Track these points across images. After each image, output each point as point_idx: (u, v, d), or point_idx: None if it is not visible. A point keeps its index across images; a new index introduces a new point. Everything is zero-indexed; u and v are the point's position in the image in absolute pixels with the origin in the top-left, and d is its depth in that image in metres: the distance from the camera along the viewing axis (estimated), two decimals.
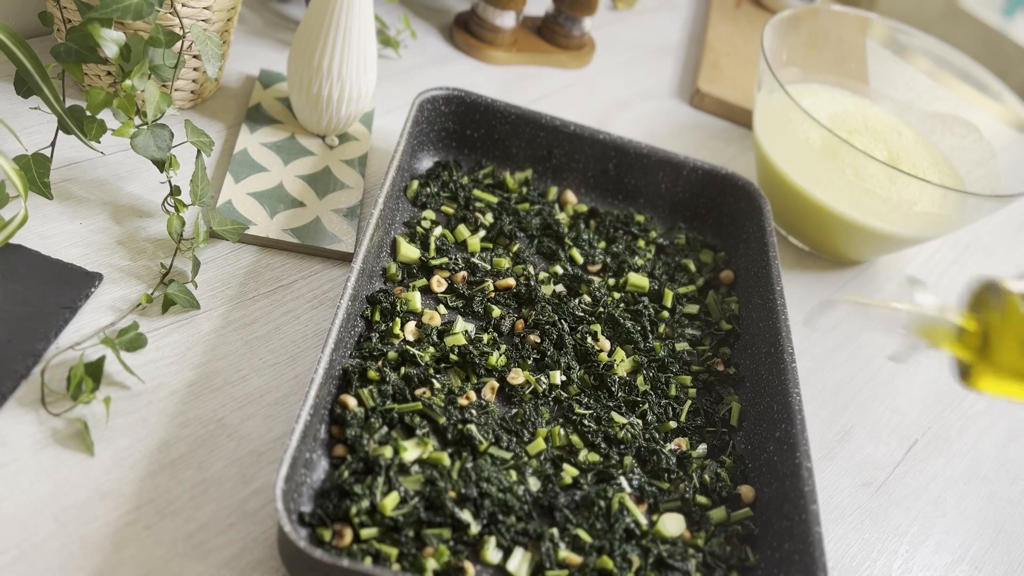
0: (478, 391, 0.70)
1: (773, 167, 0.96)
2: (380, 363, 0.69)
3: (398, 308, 0.73)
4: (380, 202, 0.73)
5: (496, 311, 0.76)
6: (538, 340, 0.75)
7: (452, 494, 0.62)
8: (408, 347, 0.70)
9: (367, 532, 0.59)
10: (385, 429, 0.65)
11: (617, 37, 1.25)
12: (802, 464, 0.65)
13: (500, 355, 0.72)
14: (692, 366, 0.78)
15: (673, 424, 0.73)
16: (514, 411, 0.70)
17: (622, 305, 0.81)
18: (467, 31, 1.11)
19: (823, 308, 0.66)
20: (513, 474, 0.65)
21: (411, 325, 0.73)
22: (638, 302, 0.81)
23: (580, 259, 0.85)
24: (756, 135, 0.99)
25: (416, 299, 0.75)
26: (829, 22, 1.09)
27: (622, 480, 0.68)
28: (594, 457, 0.69)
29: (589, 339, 0.77)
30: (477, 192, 0.87)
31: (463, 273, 0.79)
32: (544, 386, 0.72)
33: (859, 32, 1.11)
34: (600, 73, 1.17)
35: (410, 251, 0.79)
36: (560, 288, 0.81)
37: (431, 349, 0.71)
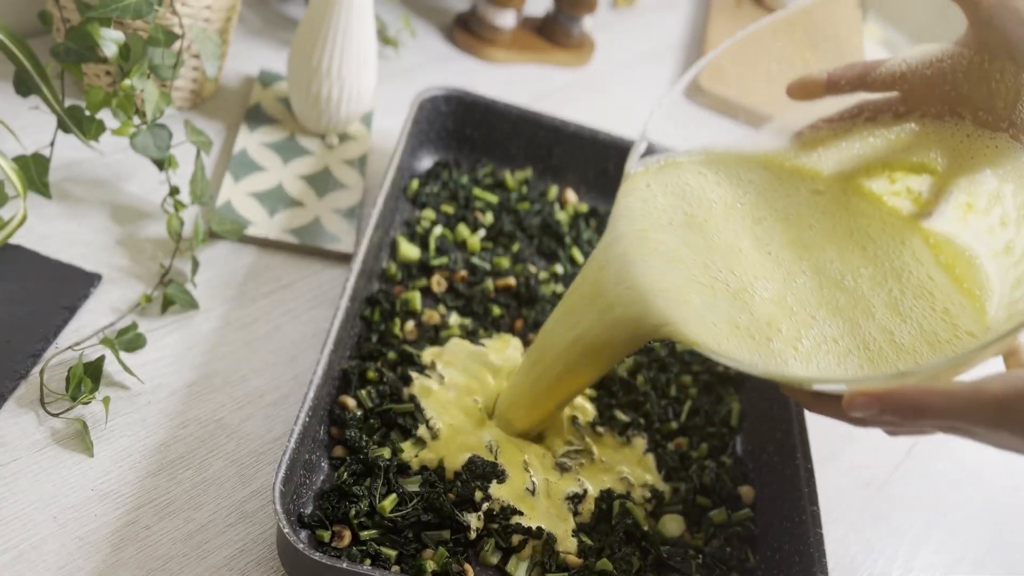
0: None
1: None
2: (379, 363, 0.69)
3: (397, 308, 0.73)
4: (380, 202, 0.72)
5: (496, 311, 0.76)
6: None
7: (451, 495, 0.62)
8: (407, 347, 0.70)
9: (366, 533, 0.59)
10: (384, 430, 0.65)
11: (617, 37, 1.25)
12: (802, 465, 0.65)
13: None
14: (692, 366, 0.78)
15: (673, 424, 0.73)
16: None
17: None
18: (467, 30, 1.11)
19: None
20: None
21: (411, 324, 0.73)
22: None
23: (580, 259, 0.85)
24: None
25: (416, 298, 0.74)
26: (826, 22, 1.09)
27: None
28: None
29: None
30: (477, 191, 0.87)
31: (463, 273, 0.79)
32: None
33: (857, 33, 1.10)
34: (600, 72, 1.17)
35: (410, 251, 0.78)
36: (560, 288, 0.81)
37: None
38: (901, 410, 0.46)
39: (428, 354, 0.69)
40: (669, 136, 0.62)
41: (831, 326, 0.53)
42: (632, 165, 0.59)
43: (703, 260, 0.55)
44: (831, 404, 0.50)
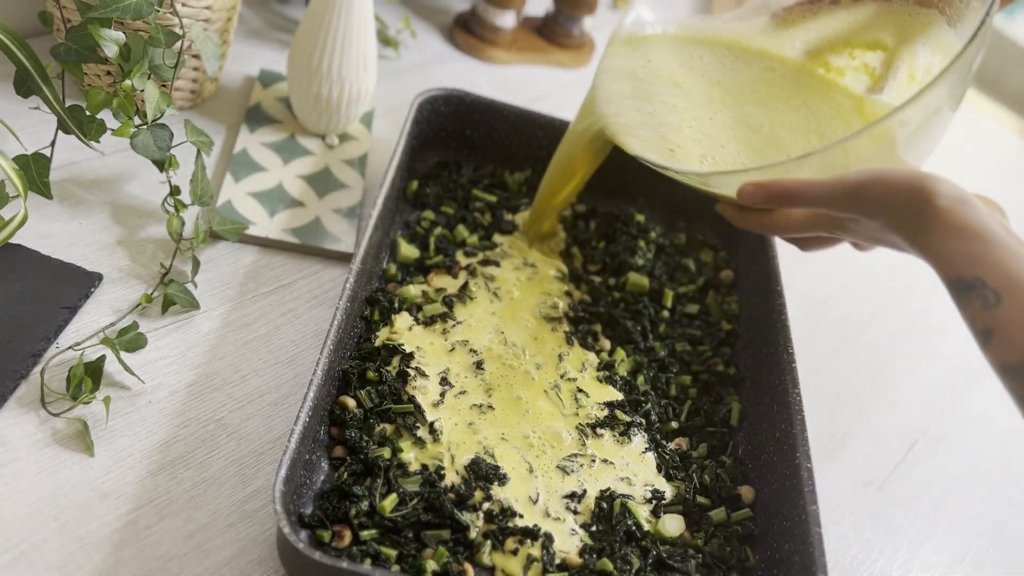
0: None
1: None
2: (378, 363, 0.69)
3: (395, 305, 0.73)
4: (379, 202, 0.72)
5: None
6: None
7: (451, 495, 0.62)
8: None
9: (367, 533, 0.59)
10: (384, 430, 0.65)
11: None
12: (802, 464, 0.65)
13: None
14: (692, 366, 0.78)
15: (673, 424, 0.73)
16: None
17: (622, 305, 0.81)
18: (467, 31, 1.11)
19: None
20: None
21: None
22: (638, 302, 0.81)
23: (580, 259, 0.85)
24: None
25: (411, 290, 0.74)
26: None
27: None
28: None
29: (589, 339, 0.77)
30: (476, 192, 0.87)
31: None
32: None
33: None
34: None
35: (410, 251, 0.79)
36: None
37: None
38: (778, 196, 0.59)
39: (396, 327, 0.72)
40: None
41: (742, 156, 0.67)
42: (618, 31, 0.75)
43: (633, 101, 0.72)
44: (752, 216, 0.64)
